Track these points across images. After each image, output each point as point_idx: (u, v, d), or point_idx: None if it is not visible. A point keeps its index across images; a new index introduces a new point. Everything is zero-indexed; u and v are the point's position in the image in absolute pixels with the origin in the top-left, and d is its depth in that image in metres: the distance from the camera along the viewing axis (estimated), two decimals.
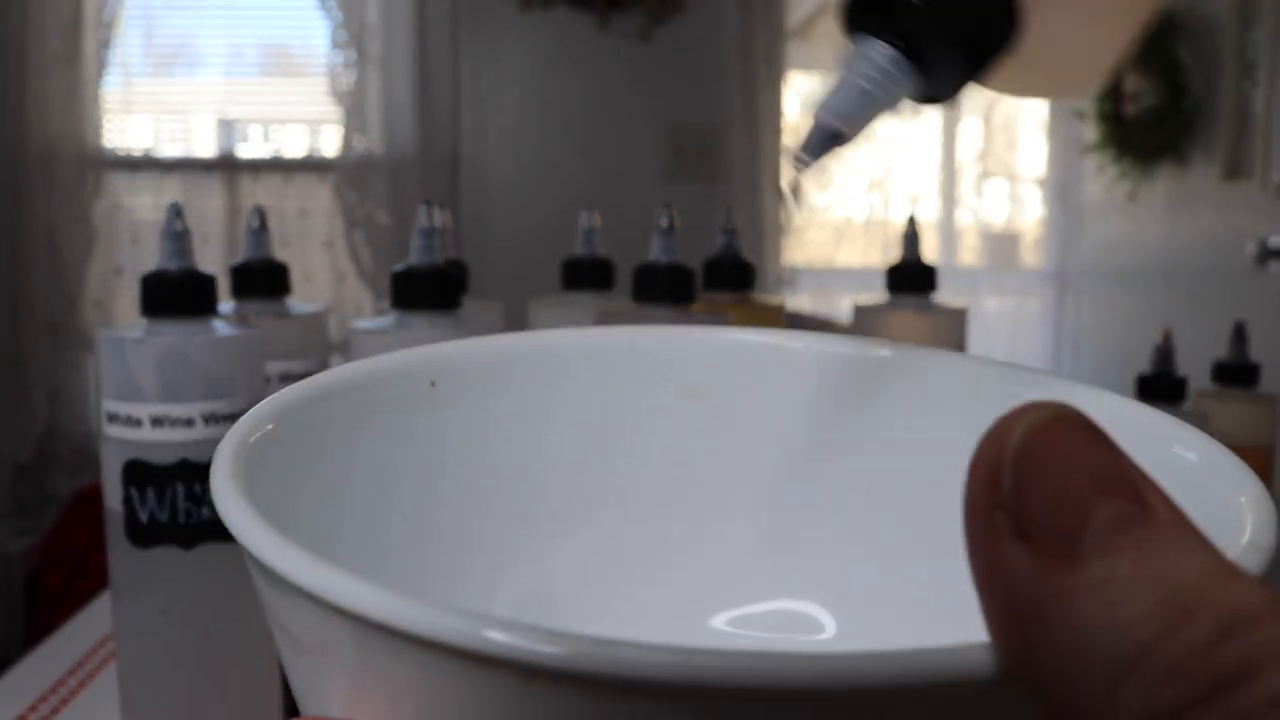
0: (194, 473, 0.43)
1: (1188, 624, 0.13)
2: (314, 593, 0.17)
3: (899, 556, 0.31)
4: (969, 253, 2.77)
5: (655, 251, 0.53)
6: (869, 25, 0.27)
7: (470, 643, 0.15)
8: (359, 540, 0.28)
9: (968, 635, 0.15)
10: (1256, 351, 0.75)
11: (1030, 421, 0.15)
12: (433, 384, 0.31)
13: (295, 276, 0.64)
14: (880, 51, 0.27)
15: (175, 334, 0.44)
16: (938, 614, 0.27)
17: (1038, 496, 0.14)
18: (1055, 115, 2.68)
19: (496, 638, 0.15)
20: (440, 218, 0.57)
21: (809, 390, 0.32)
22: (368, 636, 0.16)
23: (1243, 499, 0.23)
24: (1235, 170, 2.13)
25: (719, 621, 0.33)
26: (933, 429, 0.30)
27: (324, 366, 0.63)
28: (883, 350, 0.32)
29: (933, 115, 2.67)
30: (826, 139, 0.27)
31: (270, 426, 0.25)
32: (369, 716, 0.18)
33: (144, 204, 2.27)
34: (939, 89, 0.28)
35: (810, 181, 2.62)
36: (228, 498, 0.20)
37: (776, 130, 2.45)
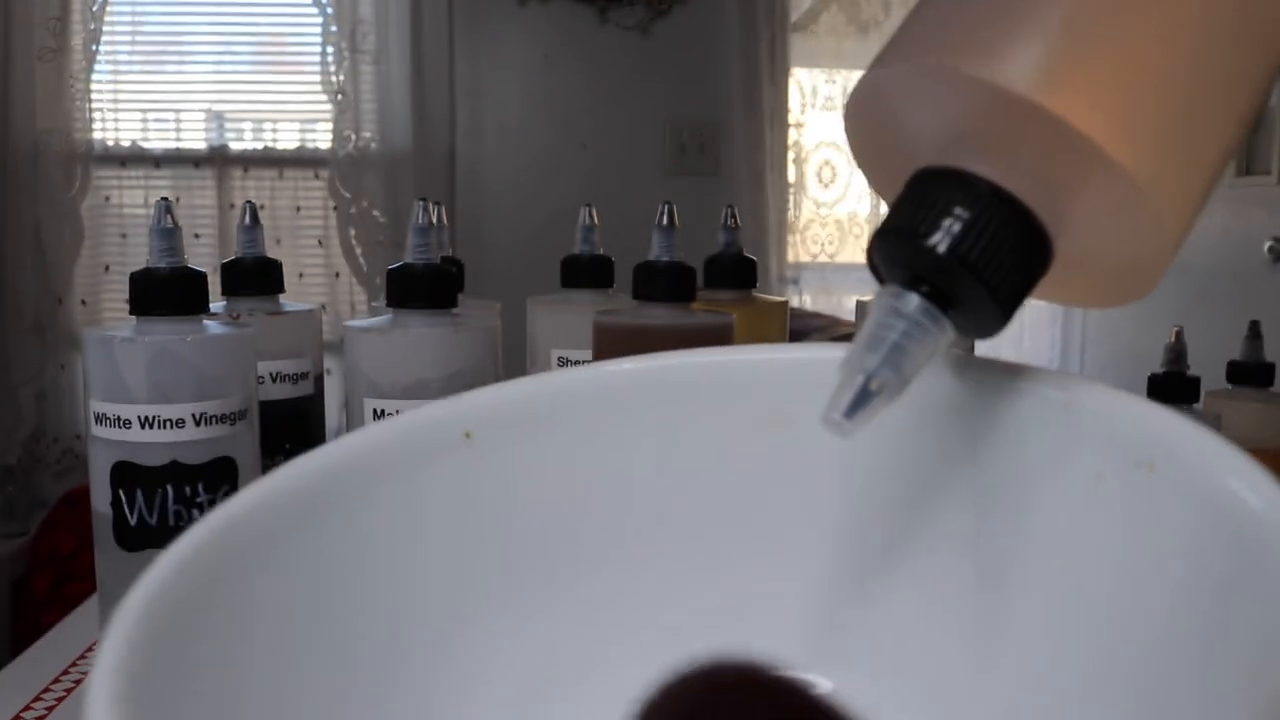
0: (184, 475, 0.43)
1: None
2: None
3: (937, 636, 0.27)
4: None
5: (655, 249, 0.53)
6: (895, 275, 0.26)
7: None
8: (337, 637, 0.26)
9: None
10: (1271, 351, 0.74)
11: (690, 693, 0.14)
12: (468, 435, 0.28)
13: (288, 274, 0.64)
14: (911, 302, 0.25)
15: (165, 333, 0.44)
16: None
17: None
18: None
19: None
20: (436, 214, 0.58)
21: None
22: None
23: None
24: (1250, 166, 2.11)
25: None
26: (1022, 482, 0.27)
27: (318, 366, 0.62)
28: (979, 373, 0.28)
29: None
30: (865, 399, 0.25)
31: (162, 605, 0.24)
32: None
33: (133, 200, 2.25)
34: (980, 330, 0.26)
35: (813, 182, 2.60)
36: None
37: (780, 125, 2.44)
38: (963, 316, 0.25)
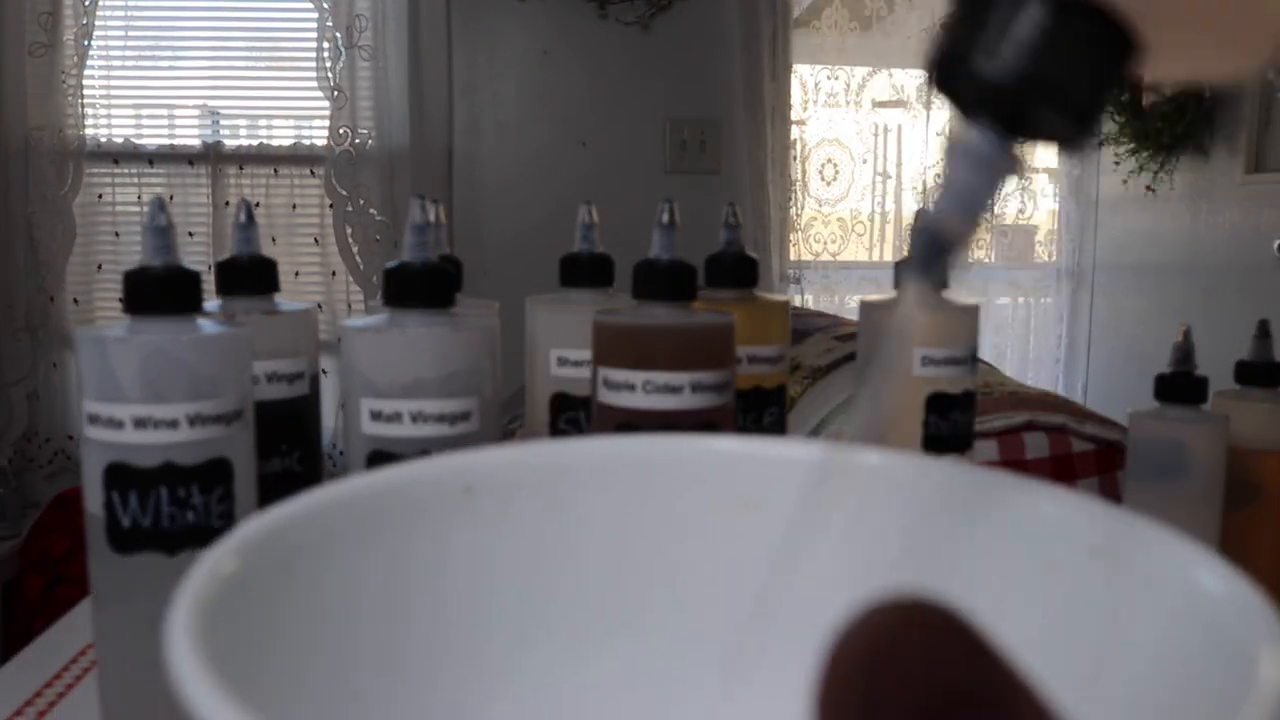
0: (178, 476, 0.42)
1: None
2: None
3: None
4: (980, 248, 2.75)
5: (655, 247, 0.52)
6: (966, 110, 0.24)
7: None
8: (368, 671, 0.26)
9: None
10: None
11: (882, 626, 0.14)
12: (468, 491, 0.29)
13: (284, 273, 0.64)
14: (972, 138, 0.24)
15: (159, 332, 0.43)
16: None
17: (889, 715, 0.13)
18: None
19: None
20: (434, 212, 0.57)
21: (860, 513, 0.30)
22: None
23: (1262, 668, 0.19)
24: (1259, 163, 2.11)
25: None
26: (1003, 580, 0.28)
27: (314, 366, 0.61)
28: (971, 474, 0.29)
29: (938, 105, 2.62)
30: (934, 250, 0.24)
31: (236, 567, 0.23)
32: None
33: (126, 197, 2.24)
34: (1066, 141, 0.24)
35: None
36: (188, 672, 0.18)
37: (781, 122, 2.43)
38: (1040, 133, 0.24)
